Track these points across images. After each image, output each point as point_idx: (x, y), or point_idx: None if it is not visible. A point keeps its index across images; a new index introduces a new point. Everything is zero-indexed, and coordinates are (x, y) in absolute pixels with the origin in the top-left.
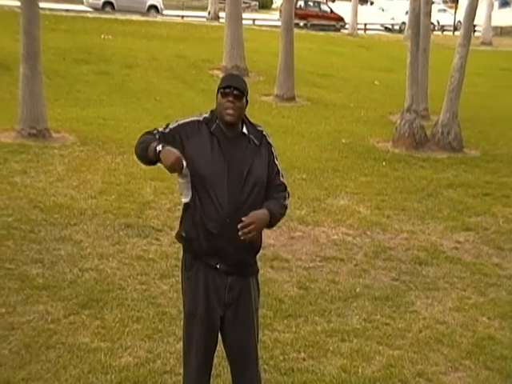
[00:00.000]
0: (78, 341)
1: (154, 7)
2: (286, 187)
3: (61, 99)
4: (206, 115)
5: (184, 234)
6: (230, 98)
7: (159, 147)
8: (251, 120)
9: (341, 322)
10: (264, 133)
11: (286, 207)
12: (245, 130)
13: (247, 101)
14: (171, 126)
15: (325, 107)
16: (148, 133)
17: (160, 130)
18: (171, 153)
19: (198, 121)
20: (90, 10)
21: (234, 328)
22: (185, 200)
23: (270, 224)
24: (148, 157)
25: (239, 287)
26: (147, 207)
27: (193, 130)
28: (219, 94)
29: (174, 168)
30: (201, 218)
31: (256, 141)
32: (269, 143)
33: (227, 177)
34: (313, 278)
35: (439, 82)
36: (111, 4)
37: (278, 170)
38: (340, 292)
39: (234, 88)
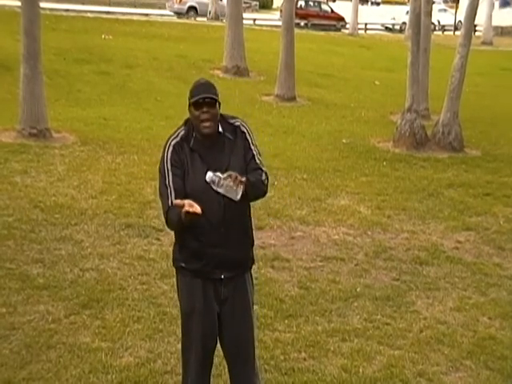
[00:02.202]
0: (79, 341)
1: None
2: (261, 168)
3: (61, 99)
4: (182, 132)
5: (184, 265)
6: (204, 109)
7: (181, 217)
8: (235, 115)
9: (341, 322)
10: (237, 124)
11: (263, 183)
12: (220, 128)
13: (219, 103)
14: (168, 178)
15: (325, 107)
16: (167, 204)
17: (169, 187)
18: (183, 213)
19: (177, 142)
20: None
21: (231, 323)
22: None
23: (249, 193)
24: (184, 226)
25: (234, 282)
26: (148, 207)
27: (178, 153)
28: (192, 107)
29: (192, 210)
30: (198, 242)
31: (231, 136)
32: (243, 132)
33: None
34: (313, 278)
35: (440, 81)
36: (195, 9)
37: (253, 155)
38: (341, 292)
39: (205, 98)
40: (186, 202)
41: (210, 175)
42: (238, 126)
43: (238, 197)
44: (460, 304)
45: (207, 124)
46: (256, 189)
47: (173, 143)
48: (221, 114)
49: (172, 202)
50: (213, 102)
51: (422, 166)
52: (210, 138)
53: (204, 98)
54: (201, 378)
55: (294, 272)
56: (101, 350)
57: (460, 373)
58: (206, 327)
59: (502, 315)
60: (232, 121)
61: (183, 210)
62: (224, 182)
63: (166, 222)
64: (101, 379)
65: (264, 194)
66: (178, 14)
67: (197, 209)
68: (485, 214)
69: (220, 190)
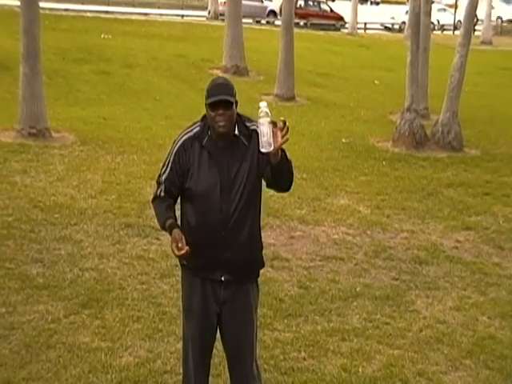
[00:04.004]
0: (79, 340)
1: (273, 12)
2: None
3: (61, 99)
4: (197, 129)
5: (186, 262)
6: (220, 111)
7: (168, 224)
8: (246, 116)
9: (341, 322)
10: (253, 128)
11: (291, 171)
12: (236, 131)
13: (237, 102)
14: (166, 169)
15: (325, 107)
16: (155, 193)
17: (161, 180)
18: (173, 239)
19: (189, 138)
20: (92, 9)
21: (231, 325)
22: (268, 149)
23: (282, 164)
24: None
25: (235, 285)
26: (147, 207)
27: (186, 150)
28: (208, 107)
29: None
30: (199, 242)
31: (245, 142)
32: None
33: (220, 187)
34: (313, 278)
35: (439, 81)
36: None
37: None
38: (340, 291)
39: (220, 100)
40: (178, 239)
41: (264, 104)
42: (254, 130)
43: (264, 149)
44: (459, 303)
45: (222, 124)
46: (288, 167)
47: (183, 139)
48: (238, 115)
49: (160, 195)
50: (229, 104)
51: (421, 166)
52: (225, 139)
53: (219, 100)
54: (199, 375)
55: (294, 271)
56: (100, 350)
57: (459, 372)
58: (204, 326)
59: (502, 314)
60: (248, 124)
61: (174, 250)
62: (268, 125)
63: (152, 202)
64: (100, 379)
65: (290, 183)
66: (223, 15)
67: (184, 253)
68: (484, 214)
69: (260, 127)
